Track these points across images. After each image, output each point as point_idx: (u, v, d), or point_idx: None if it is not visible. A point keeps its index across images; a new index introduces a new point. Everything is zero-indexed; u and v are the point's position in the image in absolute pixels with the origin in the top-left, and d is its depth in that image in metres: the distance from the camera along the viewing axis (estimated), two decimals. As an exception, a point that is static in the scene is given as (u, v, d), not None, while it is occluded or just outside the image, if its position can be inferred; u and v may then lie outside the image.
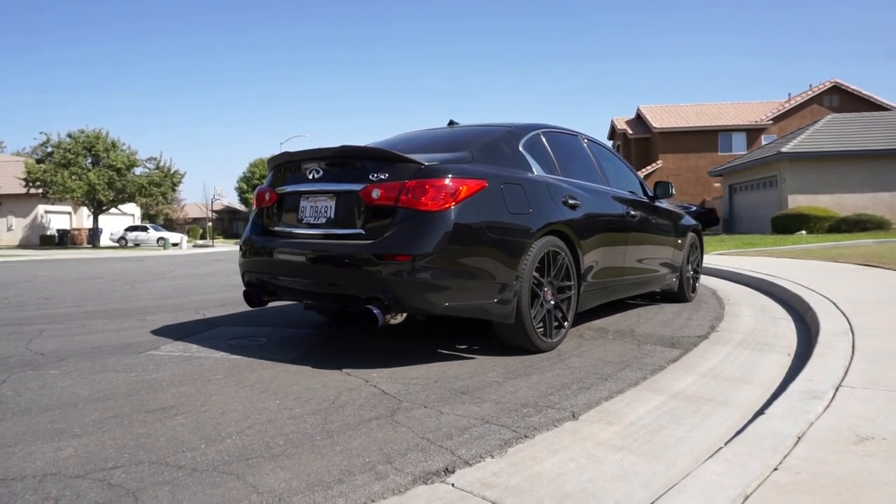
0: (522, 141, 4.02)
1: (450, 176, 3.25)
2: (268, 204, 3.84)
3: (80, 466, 1.95)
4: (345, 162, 3.55)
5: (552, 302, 3.70)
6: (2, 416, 2.48)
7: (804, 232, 21.19)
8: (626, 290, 4.86)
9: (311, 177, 3.55)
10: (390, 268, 3.09)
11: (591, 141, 5.06)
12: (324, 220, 3.47)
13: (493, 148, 3.82)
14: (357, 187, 3.31)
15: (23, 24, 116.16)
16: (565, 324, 3.80)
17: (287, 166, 3.83)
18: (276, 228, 3.75)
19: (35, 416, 2.48)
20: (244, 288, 3.87)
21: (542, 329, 3.60)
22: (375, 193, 3.22)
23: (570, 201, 3.95)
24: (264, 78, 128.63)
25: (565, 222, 3.82)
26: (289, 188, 3.71)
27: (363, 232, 3.27)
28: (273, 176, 3.92)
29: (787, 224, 22.20)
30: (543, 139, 4.25)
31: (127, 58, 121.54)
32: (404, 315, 3.33)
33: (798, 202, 23.41)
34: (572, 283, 3.87)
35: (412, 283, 3.09)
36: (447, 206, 3.17)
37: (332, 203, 3.45)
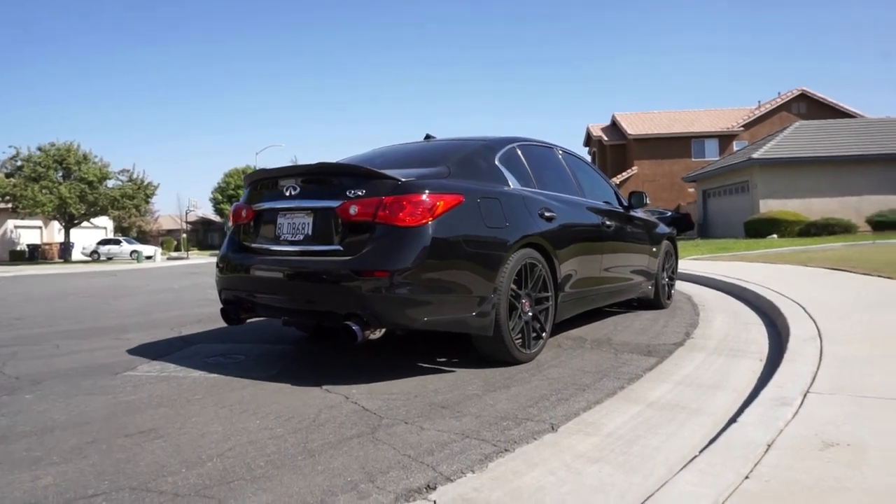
0: (498, 155, 4.07)
1: (427, 191, 3.28)
2: (244, 221, 3.83)
3: (60, 495, 1.93)
4: (322, 178, 3.57)
5: (530, 313, 3.74)
6: (-24, 444, 2.44)
7: (775, 236, 21.64)
8: (603, 299, 4.94)
9: (288, 193, 3.55)
10: (369, 284, 3.11)
11: (566, 153, 5.13)
12: (301, 237, 3.48)
13: (469, 162, 3.86)
14: (334, 204, 3.32)
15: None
16: (543, 335, 3.85)
17: (263, 183, 3.84)
18: (254, 245, 3.75)
19: (11, 444, 2.45)
20: (221, 305, 3.85)
21: (520, 341, 3.64)
22: (353, 210, 3.25)
23: (546, 213, 4.00)
24: (237, 88, 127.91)
25: (542, 234, 3.88)
26: (266, 205, 3.71)
27: (341, 248, 3.29)
28: (249, 192, 3.92)
29: (760, 228, 22.64)
30: (519, 152, 4.30)
31: (96, 71, 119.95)
32: (383, 330, 3.35)
33: (769, 207, 23.88)
34: (549, 294, 3.92)
35: (391, 298, 3.11)
36: (424, 221, 3.21)
37: (309, 220, 3.46)
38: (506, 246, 3.55)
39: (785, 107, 37.93)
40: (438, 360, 3.80)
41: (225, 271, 3.84)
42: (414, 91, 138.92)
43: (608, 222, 4.91)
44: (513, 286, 3.59)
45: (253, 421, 2.65)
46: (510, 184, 3.95)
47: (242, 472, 2.09)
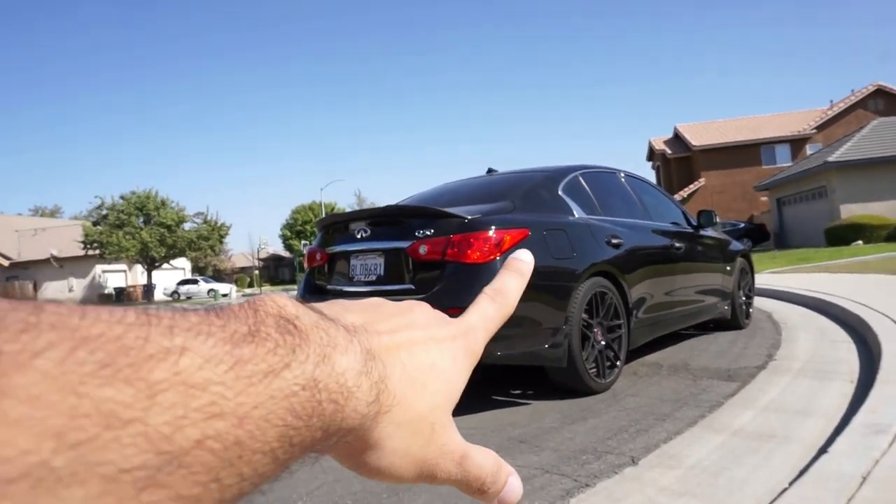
0: (561, 185, 4.09)
1: (493, 227, 3.34)
2: (319, 263, 4.00)
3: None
4: (390, 220, 3.72)
5: (603, 342, 3.73)
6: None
7: (860, 242, 20.47)
8: (677, 323, 4.84)
9: (359, 236, 3.70)
10: None
11: (629, 175, 5.10)
12: (374, 277, 3.61)
13: (533, 195, 3.92)
14: (404, 244, 3.44)
15: (67, 92, 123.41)
16: (618, 363, 3.82)
17: (335, 227, 4.02)
18: (329, 287, 3.91)
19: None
20: None
21: (594, 370, 3.63)
22: (422, 249, 3.35)
23: (614, 240, 3.99)
24: (300, 126, 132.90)
25: (610, 261, 3.87)
26: (338, 248, 3.87)
27: (413, 287, 3.39)
28: (322, 236, 4.11)
29: (842, 235, 21.49)
30: (582, 180, 4.31)
31: (164, 118, 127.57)
32: None
33: (851, 212, 22.67)
34: (622, 321, 3.89)
35: None
36: (493, 257, 3.26)
37: (380, 260, 3.59)
38: (574, 276, 3.56)
39: (860, 104, 36.06)
40: (513, 392, 3.82)
41: None
42: (472, 119, 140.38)
43: (677, 244, 4.83)
44: (584, 315, 3.59)
45: (337, 459, 2.74)
46: (574, 213, 3.97)
47: (331, 510, 2.17)
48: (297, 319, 0.24)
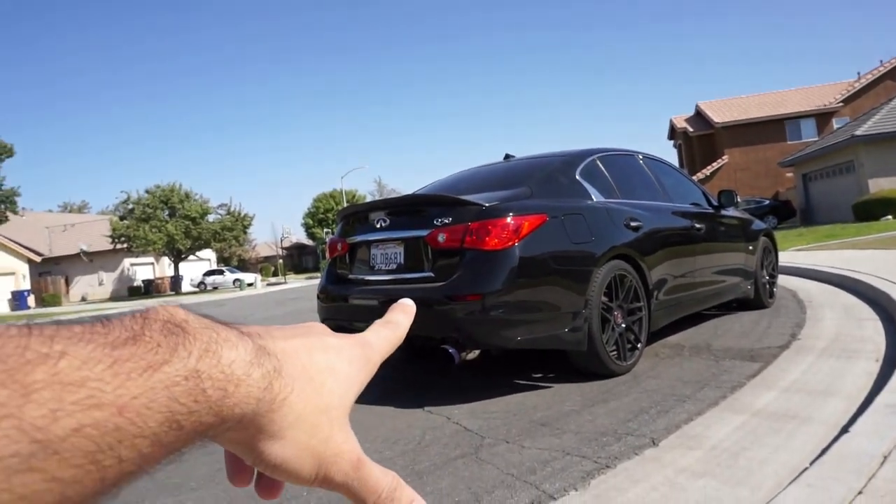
0: (579, 169, 4.09)
1: (511, 214, 3.36)
2: (340, 253, 4.06)
3: (201, 519, 2.16)
4: (409, 209, 3.77)
5: (623, 325, 3.74)
6: (126, 474, 2.75)
7: (890, 217, 20.00)
8: (698, 304, 4.82)
9: (378, 226, 3.75)
10: (462, 308, 3.23)
11: (648, 157, 5.06)
12: (394, 266, 3.67)
13: (550, 180, 3.93)
14: (423, 233, 3.48)
15: (92, 89, 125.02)
16: (638, 345, 3.84)
17: (355, 217, 4.08)
18: (351, 276, 3.98)
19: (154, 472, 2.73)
20: None
21: (615, 353, 3.65)
22: (441, 237, 3.39)
23: (632, 223, 3.99)
24: (321, 114, 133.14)
25: (629, 244, 3.88)
26: (358, 238, 3.93)
27: (433, 275, 3.44)
28: (343, 226, 4.17)
29: (871, 210, 20.98)
30: (599, 164, 4.30)
31: (186, 111, 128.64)
32: (478, 350, 3.45)
33: (880, 186, 22.10)
34: (642, 303, 3.90)
35: (484, 320, 3.22)
36: (511, 243, 3.29)
37: (400, 249, 3.65)
38: (593, 259, 3.58)
39: (889, 75, 34.97)
40: (534, 376, 3.85)
41: (325, 301, 4.09)
42: (498, 107, 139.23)
43: (697, 225, 4.80)
44: (604, 299, 3.60)
45: (363, 444, 2.73)
46: (593, 197, 3.98)
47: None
48: (186, 323, 0.28)
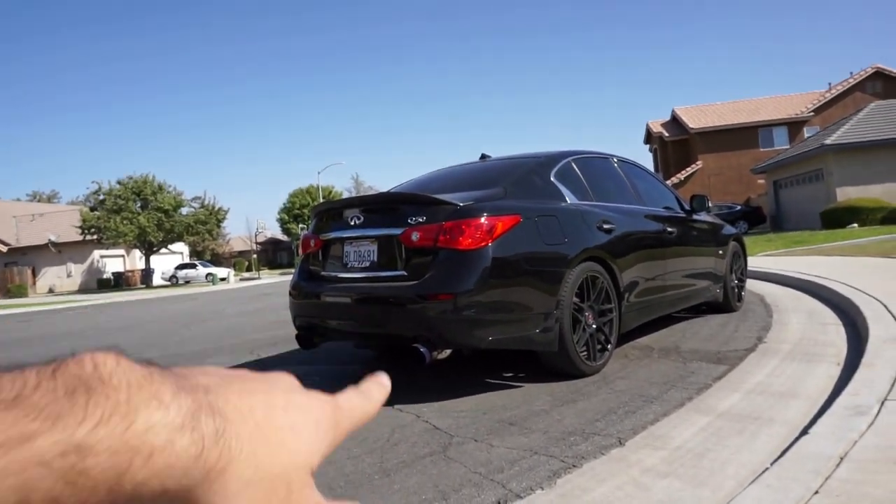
0: (553, 171, 4.11)
1: (485, 214, 3.37)
2: (313, 250, 4.03)
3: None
4: (383, 207, 3.75)
5: (594, 326, 3.77)
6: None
7: (856, 225, 20.52)
8: (669, 307, 4.89)
9: (352, 223, 3.73)
10: (434, 307, 3.23)
11: (622, 161, 5.12)
12: (367, 264, 3.65)
13: (525, 181, 3.94)
14: (397, 231, 3.47)
15: (64, 77, 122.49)
16: (609, 346, 3.87)
17: (329, 213, 4.05)
18: (323, 273, 3.95)
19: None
20: (297, 332, 4.05)
21: (585, 353, 3.67)
22: (415, 236, 3.38)
23: (605, 226, 4.03)
24: (298, 110, 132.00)
25: (601, 247, 3.91)
26: (332, 234, 3.90)
27: (405, 273, 3.44)
28: (317, 223, 4.13)
29: (838, 218, 21.51)
30: (574, 166, 4.33)
31: (163, 103, 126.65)
32: (450, 350, 3.45)
33: (847, 194, 22.67)
34: (613, 305, 3.94)
35: (456, 320, 3.22)
36: (484, 243, 3.29)
37: (374, 247, 3.63)
38: (566, 261, 3.60)
39: (858, 87, 35.90)
40: (505, 375, 3.87)
41: (298, 298, 4.04)
42: (469, 105, 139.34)
43: (669, 228, 4.87)
44: (575, 300, 3.63)
45: (331, 442, 2.79)
46: (567, 199, 4.01)
47: (324, 491, 2.16)
48: (108, 378, 0.24)
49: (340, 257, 3.83)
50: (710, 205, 5.61)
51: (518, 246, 3.43)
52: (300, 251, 4.25)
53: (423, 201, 3.53)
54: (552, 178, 4.05)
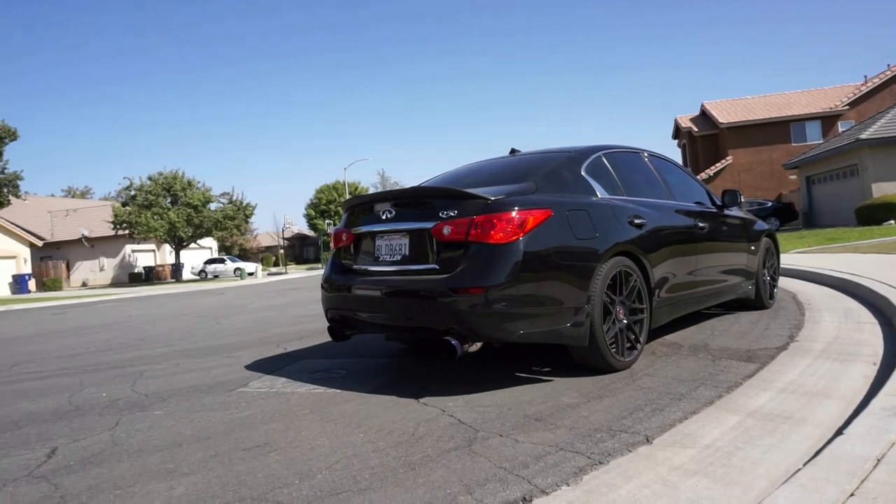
0: (584, 165, 4.09)
1: (516, 208, 3.36)
2: (345, 244, 4.07)
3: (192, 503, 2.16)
4: (415, 201, 3.75)
5: (625, 321, 3.75)
6: (119, 458, 2.75)
7: (893, 222, 19.96)
8: (699, 303, 4.81)
9: (384, 217, 3.76)
10: (465, 300, 3.23)
11: (653, 155, 5.05)
12: (399, 257, 3.67)
13: (555, 176, 3.93)
14: (428, 225, 3.48)
15: (96, 76, 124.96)
16: (639, 342, 3.85)
17: (360, 208, 4.07)
18: (355, 266, 3.98)
19: (148, 457, 2.73)
20: (328, 324, 4.10)
21: (615, 348, 3.65)
22: (446, 230, 3.39)
23: (636, 220, 3.99)
24: (323, 106, 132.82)
25: (632, 241, 3.88)
26: (364, 228, 3.93)
27: (437, 267, 3.44)
28: (348, 217, 4.16)
29: (873, 214, 20.93)
30: (605, 161, 4.30)
31: (190, 100, 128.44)
32: (480, 343, 3.45)
33: (883, 190, 22.05)
34: (644, 300, 3.91)
35: (487, 313, 3.22)
36: (515, 237, 3.29)
37: (405, 241, 3.65)
38: (597, 256, 3.59)
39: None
40: (533, 368, 3.85)
41: (330, 291, 4.08)
42: (500, 105, 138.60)
43: (700, 224, 4.80)
44: (606, 295, 3.61)
45: (357, 434, 2.81)
46: (597, 193, 3.98)
47: (349, 483, 2.24)
48: None
49: (372, 251, 3.86)
50: (742, 200, 5.49)
51: (549, 240, 3.42)
52: (331, 245, 4.27)
53: (455, 195, 3.53)
54: (583, 173, 4.04)
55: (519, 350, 4.44)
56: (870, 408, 2.38)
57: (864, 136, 22.82)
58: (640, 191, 4.46)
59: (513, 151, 4.88)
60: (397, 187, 73.23)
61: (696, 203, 5.08)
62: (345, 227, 4.11)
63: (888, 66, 35.99)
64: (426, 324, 3.48)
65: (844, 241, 13.84)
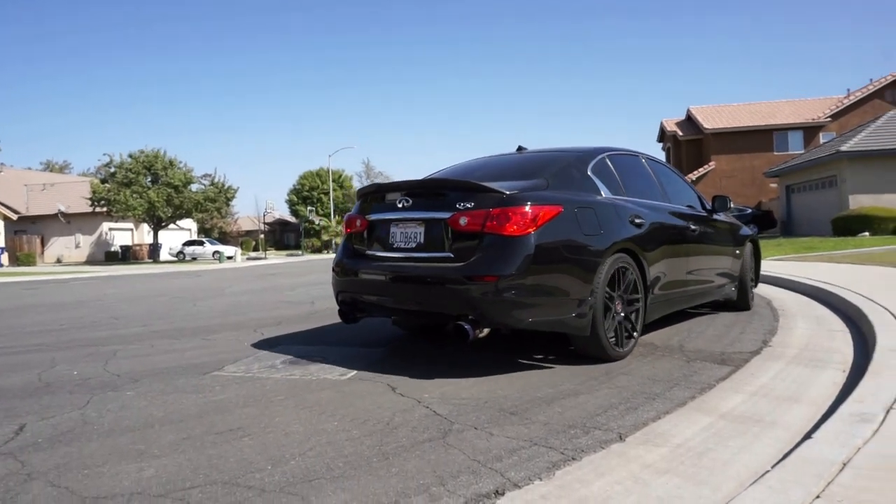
0: (590, 165, 4.30)
1: (529, 203, 3.54)
2: (358, 230, 4.20)
3: (161, 486, 2.14)
4: (432, 192, 3.92)
5: (622, 314, 3.96)
6: (89, 437, 2.71)
7: (867, 234, 20.35)
8: (687, 301, 5.04)
9: (400, 206, 3.91)
10: (479, 288, 3.41)
11: (650, 159, 5.27)
12: (414, 245, 3.83)
13: (564, 174, 4.13)
14: (445, 215, 3.65)
15: (82, 49, 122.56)
16: (634, 334, 4.06)
17: (376, 196, 4.22)
18: (368, 252, 4.12)
19: (118, 437, 2.70)
20: (339, 307, 4.27)
21: (613, 339, 3.87)
22: (463, 221, 3.56)
23: (636, 220, 4.20)
24: (310, 92, 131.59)
25: (632, 240, 4.09)
26: (379, 216, 4.07)
27: (452, 255, 3.61)
28: (361, 204, 4.30)
29: (849, 226, 21.34)
30: (608, 162, 4.50)
31: (177, 77, 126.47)
32: (487, 330, 3.64)
33: (860, 202, 22.48)
34: (640, 295, 4.12)
35: (499, 301, 3.41)
36: (528, 231, 3.48)
37: (420, 229, 3.81)
38: (601, 252, 3.78)
39: (877, 94, 35.47)
40: (511, 364, 3.86)
41: (341, 275, 4.23)
42: (485, 94, 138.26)
43: (692, 226, 5.03)
44: (607, 289, 3.80)
45: (331, 422, 2.80)
46: (602, 193, 4.18)
47: (323, 471, 2.23)
48: None
49: (386, 237, 3.99)
50: (731, 205, 5.81)
51: (558, 235, 3.61)
52: (344, 231, 4.41)
53: (472, 188, 3.67)
54: (589, 173, 4.23)
55: (498, 346, 4.46)
56: (838, 413, 2.42)
57: (844, 148, 23.22)
58: (639, 192, 4.66)
59: (520, 149, 5.04)
60: (382, 176, 72.92)
61: (687, 206, 5.30)
62: (359, 213, 4.23)
63: (870, 80, 36.64)
64: (439, 309, 3.65)
65: (820, 251, 14.08)
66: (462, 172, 4.60)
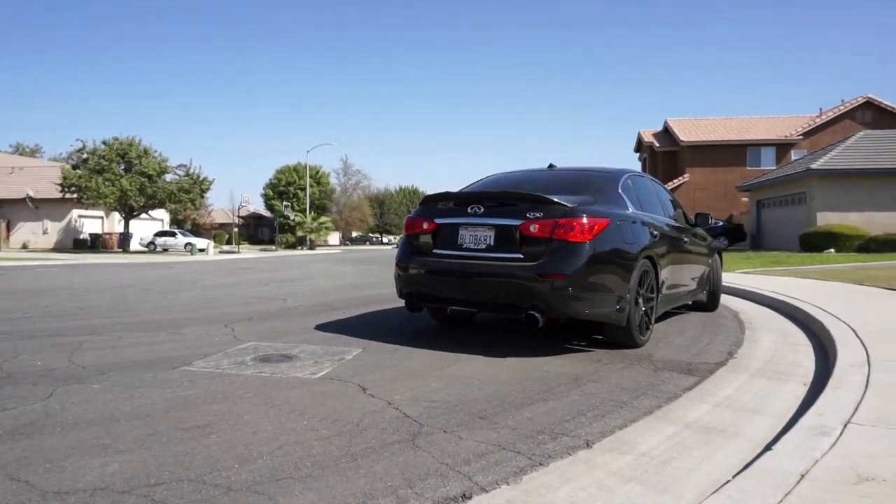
0: (619, 184, 5.06)
1: (586, 216, 4.25)
2: (425, 231, 4.77)
3: (126, 482, 2.11)
4: (503, 202, 4.48)
5: (643, 309, 4.69)
6: (52, 430, 2.66)
7: (832, 250, 20.88)
8: (677, 301, 5.85)
9: (471, 212, 4.49)
10: (548, 284, 4.10)
11: (652, 180, 6.14)
12: (483, 246, 4.44)
13: (604, 192, 4.88)
14: (517, 222, 4.30)
15: (60, 35, 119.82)
16: (650, 326, 4.83)
17: (445, 202, 4.78)
18: (435, 251, 4.68)
19: (82, 431, 2.65)
20: (405, 298, 4.85)
21: (639, 330, 4.58)
22: (533, 228, 4.24)
23: (654, 231, 5.01)
24: (288, 88, 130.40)
25: (651, 247, 4.84)
26: (448, 220, 4.64)
27: (521, 256, 4.25)
28: (427, 208, 4.87)
29: (816, 242, 21.87)
30: (630, 182, 5.27)
31: (155, 68, 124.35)
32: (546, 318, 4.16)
33: (827, 219, 23.04)
34: (654, 294, 4.88)
35: (563, 295, 4.12)
36: (587, 238, 4.19)
37: (490, 233, 4.43)
38: (635, 257, 4.53)
39: (849, 115, 36.41)
40: (478, 366, 3.88)
41: (408, 270, 4.78)
42: (462, 98, 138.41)
43: (685, 238, 5.94)
44: (637, 287, 4.50)
45: (300, 422, 2.79)
46: (629, 208, 4.88)
47: (290, 470, 2.22)
48: None
49: (454, 238, 4.57)
50: (712, 222, 6.62)
51: (607, 242, 4.31)
52: (405, 231, 5.01)
53: (541, 200, 4.32)
54: (619, 190, 4.98)
55: (475, 348, 4.48)
56: (798, 426, 2.49)
57: (814, 166, 23.78)
58: (650, 208, 5.40)
59: (551, 166, 5.81)
60: (359, 174, 72.41)
61: (677, 221, 6.05)
62: (426, 216, 4.79)
63: (842, 101, 37.56)
64: (512, 300, 4.28)
65: (787, 265, 14.40)
66: (512, 185, 5.15)
